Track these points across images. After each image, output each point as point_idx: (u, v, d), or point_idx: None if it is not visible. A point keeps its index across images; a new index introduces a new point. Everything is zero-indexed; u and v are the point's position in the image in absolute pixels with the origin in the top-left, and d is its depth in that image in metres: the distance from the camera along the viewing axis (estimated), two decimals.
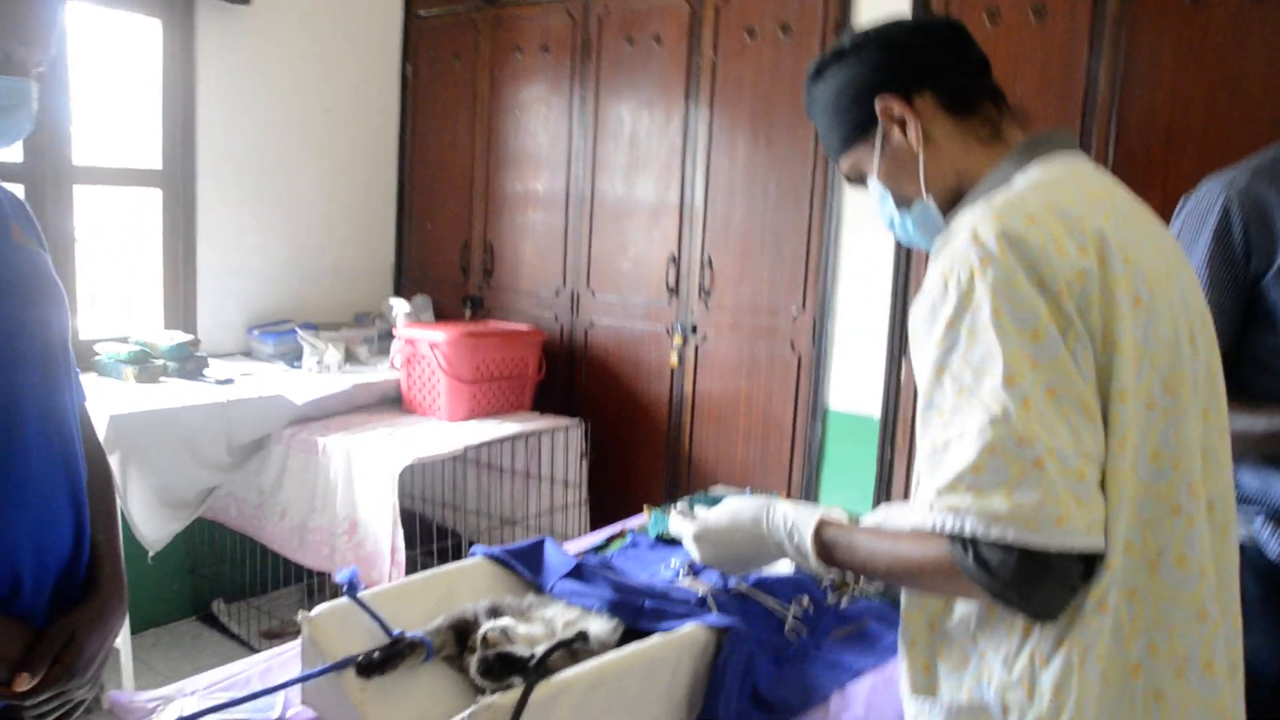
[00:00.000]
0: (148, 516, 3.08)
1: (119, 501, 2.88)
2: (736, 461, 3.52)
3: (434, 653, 1.25)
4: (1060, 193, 1.11)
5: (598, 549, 1.93)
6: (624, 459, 3.80)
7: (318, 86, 4.06)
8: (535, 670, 1.06)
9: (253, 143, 3.87)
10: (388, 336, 3.94)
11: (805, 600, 1.60)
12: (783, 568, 1.66)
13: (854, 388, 3.22)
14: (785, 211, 3.31)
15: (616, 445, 3.80)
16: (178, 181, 3.68)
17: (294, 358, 3.78)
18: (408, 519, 3.27)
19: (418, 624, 1.29)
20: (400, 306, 4.03)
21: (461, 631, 1.27)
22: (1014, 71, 2.85)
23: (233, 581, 3.72)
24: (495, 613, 1.30)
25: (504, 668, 1.14)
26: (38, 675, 1.22)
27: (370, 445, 3.16)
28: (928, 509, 1.05)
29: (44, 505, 1.30)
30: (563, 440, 3.59)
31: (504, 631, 1.23)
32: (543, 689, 1.07)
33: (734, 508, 1.37)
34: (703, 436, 3.60)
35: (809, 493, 3.33)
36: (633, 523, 2.11)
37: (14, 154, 3.23)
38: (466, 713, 1.05)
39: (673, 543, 1.96)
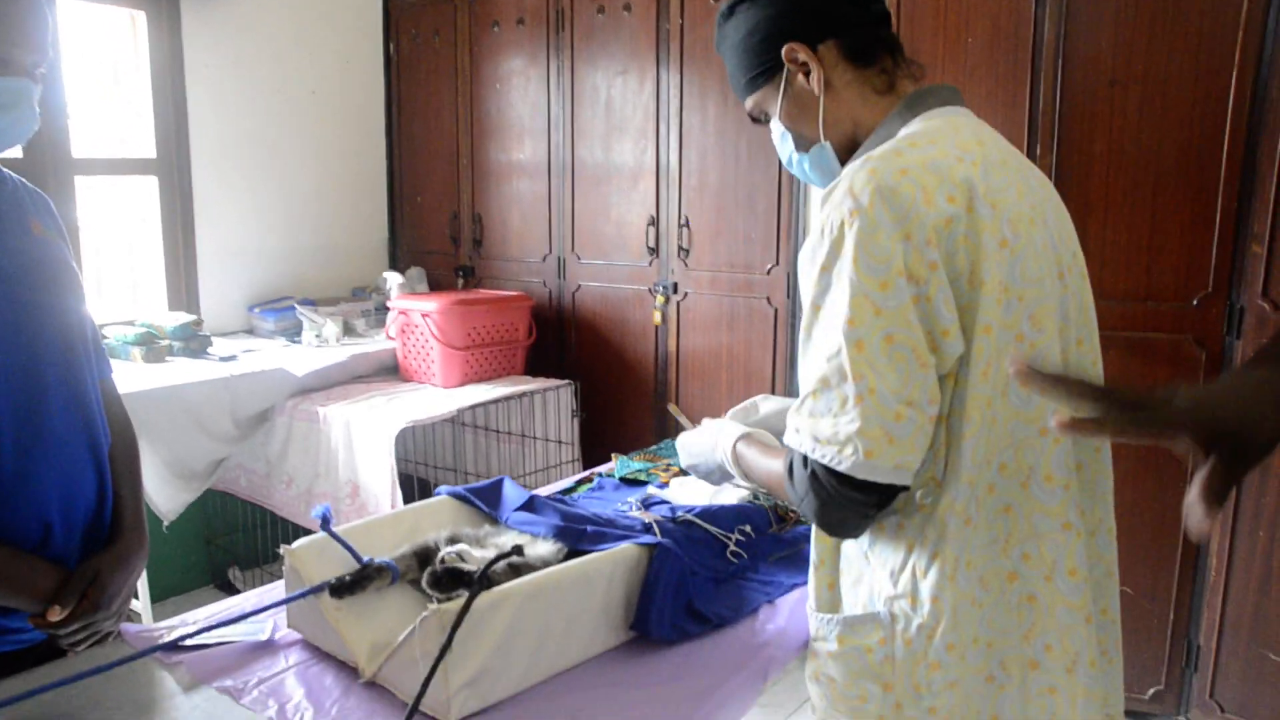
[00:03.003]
0: (160, 488, 3.26)
1: None
2: (721, 413, 3.65)
3: (399, 576, 1.41)
4: (934, 145, 1.21)
5: (566, 491, 2.08)
6: (614, 416, 3.95)
7: (303, 69, 4.20)
8: (479, 582, 1.22)
9: (244, 127, 4.01)
10: (384, 309, 4.08)
11: (747, 528, 1.75)
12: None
13: None
14: (757, 170, 3.43)
15: (607, 403, 3.95)
16: (173, 168, 3.83)
17: (294, 333, 3.94)
18: (409, 483, 3.44)
19: (386, 553, 1.44)
20: (394, 279, 4.18)
21: (424, 557, 1.42)
22: (966, 22, 2.96)
23: (246, 549, 3.90)
24: (454, 541, 1.46)
25: (452, 581, 1.29)
26: (68, 608, 1.41)
27: (368, 412, 3.32)
28: (787, 429, 1.22)
29: (69, 463, 1.48)
30: (554, 401, 3.74)
31: (459, 555, 1.38)
32: (485, 598, 1.22)
33: (707, 424, 1.66)
34: (688, 390, 3.74)
35: None
36: (602, 469, 2.26)
37: (14, 149, 3.38)
38: (418, 619, 1.21)
39: (635, 484, 2.11)
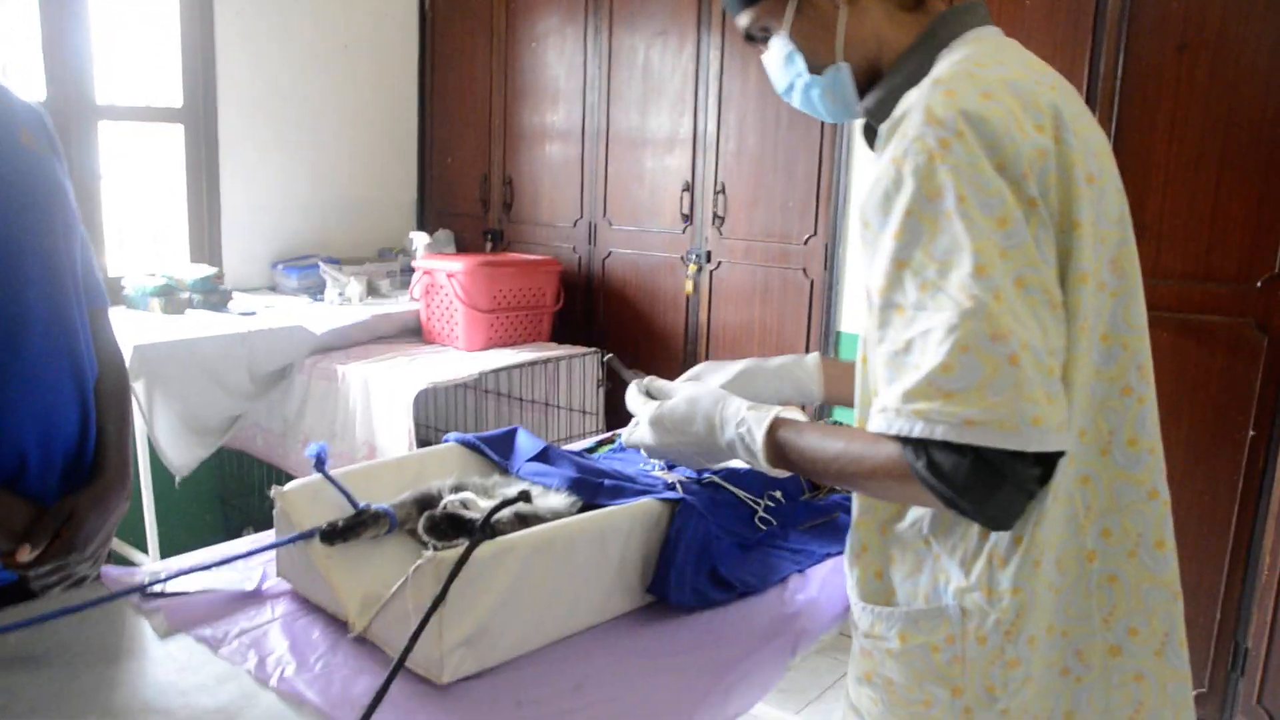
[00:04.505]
0: (174, 442, 3.18)
1: (144, 424, 2.99)
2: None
3: (398, 525, 1.30)
4: (1007, 66, 1.06)
5: (587, 451, 1.96)
6: None
7: (337, 22, 4.09)
8: (481, 530, 1.10)
9: (274, 79, 3.92)
10: (410, 271, 3.98)
11: (777, 493, 1.63)
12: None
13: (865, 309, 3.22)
14: (796, 136, 3.29)
15: None
16: (199, 118, 3.74)
17: (317, 291, 3.86)
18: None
19: (386, 500, 1.34)
20: (421, 240, 4.08)
21: (425, 506, 1.31)
22: None
23: (261, 510, 3.82)
24: (459, 489, 1.35)
25: (452, 528, 1.18)
26: (38, 548, 1.31)
27: (387, 372, 3.23)
28: (893, 415, 0.97)
29: (49, 394, 1.37)
30: (580, 369, 3.63)
31: (464, 503, 1.27)
32: (487, 548, 1.10)
33: (691, 395, 1.28)
34: None
35: (821, 414, 3.34)
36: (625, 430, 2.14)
37: (37, 91, 3.31)
38: (412, 568, 1.10)
39: None
